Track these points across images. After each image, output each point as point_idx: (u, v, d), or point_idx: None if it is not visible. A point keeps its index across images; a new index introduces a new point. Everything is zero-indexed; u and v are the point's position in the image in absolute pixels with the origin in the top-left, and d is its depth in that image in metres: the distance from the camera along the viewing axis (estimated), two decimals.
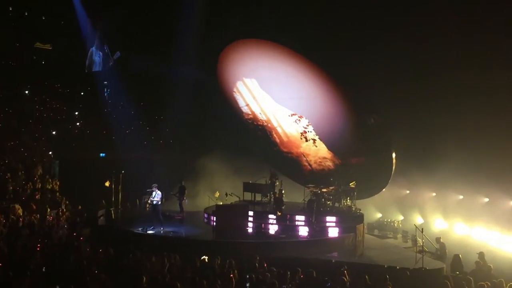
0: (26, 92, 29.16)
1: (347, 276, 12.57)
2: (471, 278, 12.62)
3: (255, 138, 27.63)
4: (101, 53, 29.24)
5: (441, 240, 19.27)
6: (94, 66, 29.49)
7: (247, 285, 11.59)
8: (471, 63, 19.23)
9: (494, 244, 19.83)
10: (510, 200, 20.78)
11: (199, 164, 25.79)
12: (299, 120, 25.13)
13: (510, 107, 19.70)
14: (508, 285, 12.38)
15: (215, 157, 25.09)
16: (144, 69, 27.36)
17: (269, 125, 27.03)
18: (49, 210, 21.76)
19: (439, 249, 18.93)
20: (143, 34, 26.86)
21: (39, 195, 23.17)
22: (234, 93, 27.12)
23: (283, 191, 21.08)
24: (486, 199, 21.91)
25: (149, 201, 19.59)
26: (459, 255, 16.03)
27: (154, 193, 19.50)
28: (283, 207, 20.13)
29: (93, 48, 29.33)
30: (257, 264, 13.56)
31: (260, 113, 26.97)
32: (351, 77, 22.74)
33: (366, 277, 12.35)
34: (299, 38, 23.06)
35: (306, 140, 25.38)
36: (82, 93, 30.75)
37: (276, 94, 25.69)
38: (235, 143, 26.41)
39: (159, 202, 19.60)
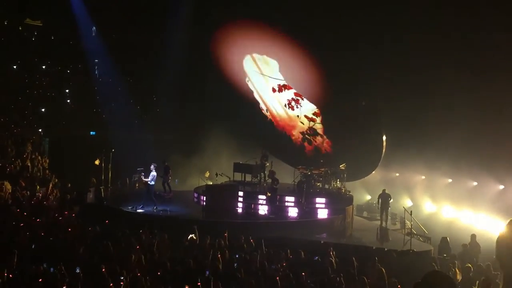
0: (15, 67, 28.85)
1: (334, 257, 12.69)
2: (457, 261, 12.78)
3: (250, 117, 27.43)
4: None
5: (386, 191, 20.74)
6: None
7: (235, 265, 11.65)
8: (460, 49, 19.33)
9: (481, 227, 20.01)
10: (498, 184, 20.95)
11: (189, 144, 25.75)
12: (298, 104, 24.95)
13: (499, 93, 19.85)
14: (487, 264, 12.55)
15: (206, 137, 25.06)
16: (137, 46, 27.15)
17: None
18: (38, 187, 21.67)
19: (380, 203, 20.56)
20: (136, 9, 26.59)
21: (28, 172, 23.06)
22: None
23: (274, 172, 21.06)
24: (475, 183, 22.08)
25: (144, 180, 19.58)
26: (446, 237, 16.20)
27: (151, 172, 19.45)
28: (277, 186, 20.09)
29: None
30: (245, 245, 13.64)
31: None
32: (345, 60, 22.73)
33: (353, 258, 12.45)
34: (291, 20, 23.01)
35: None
36: (72, 71, 30.46)
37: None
38: (227, 123, 26.25)
39: (153, 182, 19.58)
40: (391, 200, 21.11)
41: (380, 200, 20.79)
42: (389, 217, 21.88)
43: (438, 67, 20.72)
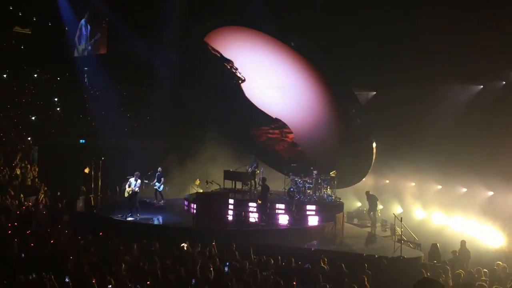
0: (5, 76, 28.74)
1: (326, 264, 12.70)
2: (448, 267, 12.80)
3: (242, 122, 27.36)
4: (89, 26, 28.88)
5: (370, 193, 21.55)
6: (82, 38, 29.18)
7: (226, 269, 11.64)
8: (453, 52, 19.42)
9: (471, 233, 20.09)
10: (487, 191, 21.06)
11: (180, 151, 25.71)
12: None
13: (488, 99, 20.03)
14: (478, 269, 12.62)
15: (198, 144, 25.02)
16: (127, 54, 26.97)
17: None
18: (22, 196, 21.52)
19: (369, 202, 21.30)
20: (126, 18, 26.51)
21: (17, 181, 22.91)
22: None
23: (265, 180, 21.01)
24: (464, 189, 22.19)
25: (129, 189, 19.48)
26: (437, 244, 16.21)
27: (133, 181, 19.40)
28: (270, 195, 20.12)
29: (83, 21, 28.98)
30: (236, 252, 13.61)
31: None
32: (334, 66, 22.82)
33: (342, 265, 12.47)
34: (282, 24, 23.02)
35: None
36: (61, 79, 30.37)
37: (257, 82, 25.55)
38: (221, 130, 26.20)
39: (138, 190, 19.57)
40: (380, 207, 21.29)
41: (369, 202, 21.17)
42: (379, 224, 21.95)
43: (430, 74, 20.90)
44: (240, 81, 25.77)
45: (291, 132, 25.40)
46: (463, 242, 15.94)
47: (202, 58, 26.05)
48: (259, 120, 26.18)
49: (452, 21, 18.68)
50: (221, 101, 26.60)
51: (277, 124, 25.58)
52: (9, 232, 15.44)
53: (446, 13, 18.88)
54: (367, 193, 21.66)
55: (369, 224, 21.90)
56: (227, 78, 25.98)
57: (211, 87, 26.53)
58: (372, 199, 21.33)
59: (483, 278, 11.92)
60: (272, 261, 12.83)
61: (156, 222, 19.48)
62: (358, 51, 21.21)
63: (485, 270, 12.53)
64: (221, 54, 25.49)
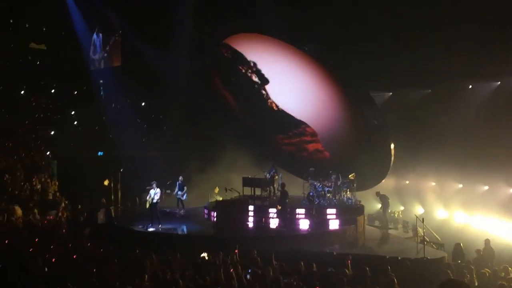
0: (22, 92, 29.08)
1: (350, 268, 12.61)
2: (472, 267, 12.64)
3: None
4: (101, 35, 29.23)
5: (381, 193, 21.60)
6: (96, 49, 29.53)
7: (248, 276, 11.61)
8: (469, 50, 19.24)
9: (494, 231, 19.86)
10: (509, 188, 20.81)
11: (198, 159, 25.76)
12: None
13: (506, 95, 19.80)
14: (505, 266, 12.46)
15: (217, 152, 25.06)
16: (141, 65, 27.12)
17: None
18: (47, 210, 21.70)
19: (381, 202, 21.48)
20: (139, 29, 26.68)
21: (38, 196, 23.12)
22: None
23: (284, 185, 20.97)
24: (486, 187, 21.94)
25: (149, 200, 19.55)
26: (460, 243, 16.06)
27: (153, 191, 19.48)
28: (288, 200, 20.09)
29: (95, 34, 29.33)
30: (258, 259, 13.57)
31: None
32: (350, 71, 22.73)
33: (367, 268, 12.35)
34: (294, 29, 22.99)
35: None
36: (78, 92, 30.64)
37: (273, 88, 25.49)
38: (234, 138, 26.22)
39: (158, 200, 19.63)
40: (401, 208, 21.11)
41: (382, 203, 21.13)
42: (400, 225, 21.82)
43: (446, 72, 20.73)
44: (256, 85, 25.65)
45: (312, 142, 25.16)
46: (487, 241, 15.73)
47: (214, 62, 26.09)
48: (276, 126, 26.10)
49: (468, 18, 18.51)
50: (237, 107, 26.63)
51: (297, 130, 25.35)
52: (33, 247, 15.53)
53: (462, 11, 18.70)
54: (378, 193, 21.58)
55: (391, 226, 21.77)
56: (243, 82, 25.92)
57: (227, 92, 26.55)
58: (384, 199, 21.24)
59: (510, 276, 11.75)
60: (295, 267, 12.77)
61: (177, 232, 19.54)
62: (374, 52, 21.11)
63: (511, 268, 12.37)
64: (233, 56, 25.41)
